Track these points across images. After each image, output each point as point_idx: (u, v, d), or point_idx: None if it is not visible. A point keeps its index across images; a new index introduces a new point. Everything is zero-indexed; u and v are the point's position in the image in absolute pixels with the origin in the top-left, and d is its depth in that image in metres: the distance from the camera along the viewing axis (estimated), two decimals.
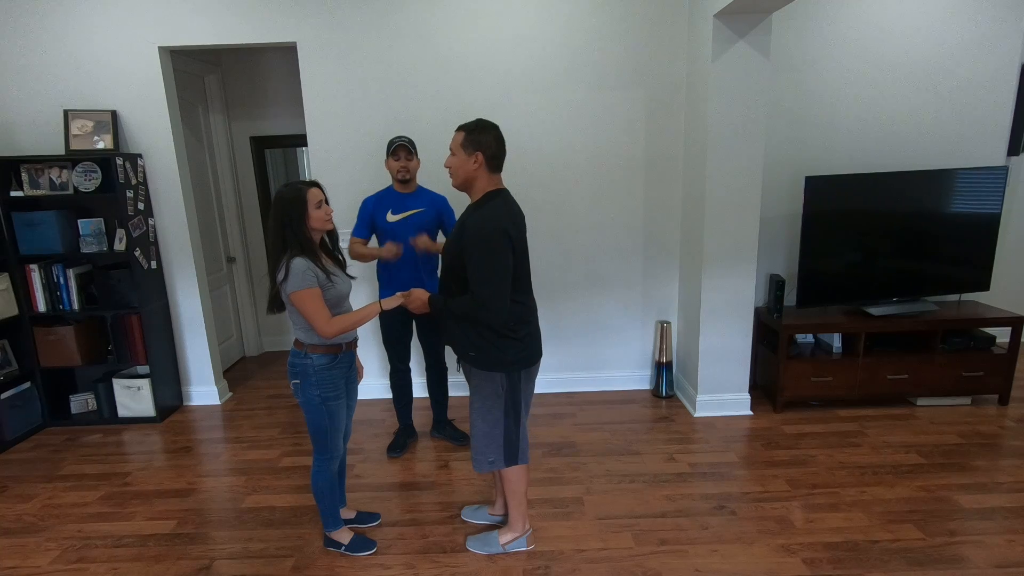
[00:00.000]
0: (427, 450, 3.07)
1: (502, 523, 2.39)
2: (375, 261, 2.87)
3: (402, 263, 2.77)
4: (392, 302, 2.08)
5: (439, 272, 2.08)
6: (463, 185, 2.00)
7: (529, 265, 2.05)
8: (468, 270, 1.88)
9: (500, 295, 1.87)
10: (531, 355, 2.05)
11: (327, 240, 2.14)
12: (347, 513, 2.43)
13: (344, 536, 2.27)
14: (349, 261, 3.46)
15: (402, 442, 3.05)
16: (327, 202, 2.05)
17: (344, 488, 2.43)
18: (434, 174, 3.33)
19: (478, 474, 2.80)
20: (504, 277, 1.88)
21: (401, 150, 2.71)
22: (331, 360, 2.07)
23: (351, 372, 2.22)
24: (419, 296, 2.05)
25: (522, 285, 2.00)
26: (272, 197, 2.00)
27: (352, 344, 2.16)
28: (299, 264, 1.92)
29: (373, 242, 2.95)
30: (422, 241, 2.66)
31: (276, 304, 2.05)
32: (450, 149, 2.00)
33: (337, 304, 2.04)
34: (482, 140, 1.93)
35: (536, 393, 3.75)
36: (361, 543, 2.27)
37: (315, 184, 2.02)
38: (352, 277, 2.17)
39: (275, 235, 1.97)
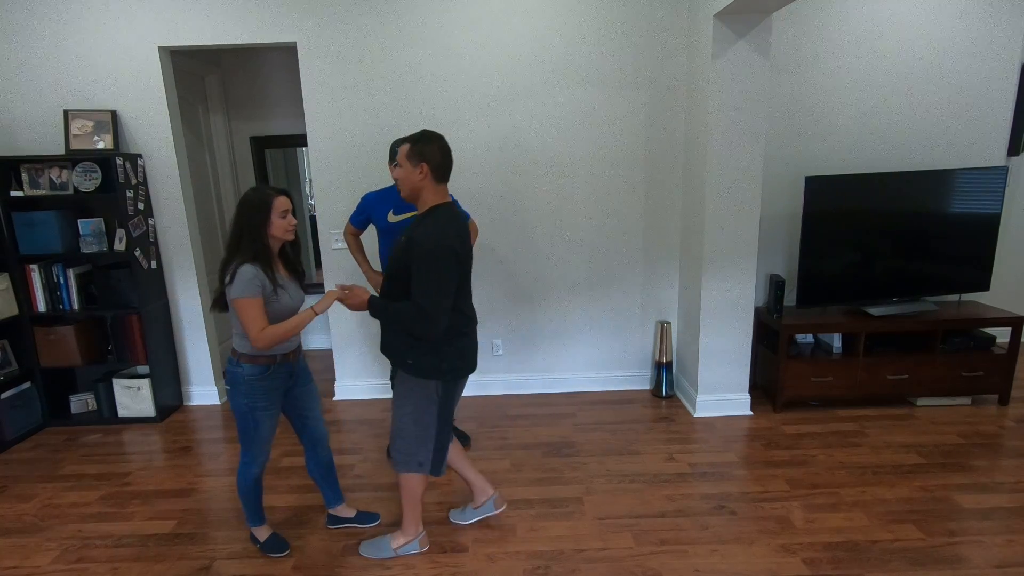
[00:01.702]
0: None
1: (493, 507, 2.41)
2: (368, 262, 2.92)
3: None
4: (325, 303, 2.01)
5: (383, 280, 2.09)
6: (410, 196, 2.01)
7: (471, 276, 2.08)
8: (413, 281, 1.90)
9: (441, 309, 1.89)
10: (467, 365, 2.09)
11: (288, 250, 2.11)
12: (346, 511, 2.43)
13: (262, 533, 2.28)
14: (341, 250, 3.44)
15: None
16: (294, 213, 2.02)
17: (337, 485, 2.42)
18: None
19: (482, 474, 2.79)
20: (447, 293, 1.91)
21: None
22: (263, 371, 2.03)
23: (295, 380, 2.17)
24: (359, 295, 2.02)
25: (464, 295, 2.03)
26: (240, 200, 1.98)
27: (290, 355, 2.11)
28: (247, 271, 1.90)
29: (372, 240, 2.96)
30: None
31: (220, 304, 2.05)
32: (398, 161, 2.02)
33: (279, 318, 2.00)
34: (426, 151, 1.94)
35: (536, 393, 3.75)
36: (275, 544, 2.27)
37: (284, 192, 2.00)
38: (307, 292, 2.15)
39: (233, 237, 1.96)
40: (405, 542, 2.24)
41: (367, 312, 2.21)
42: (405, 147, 1.97)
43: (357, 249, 2.94)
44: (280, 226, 1.97)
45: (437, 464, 2.13)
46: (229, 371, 2.07)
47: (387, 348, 2.10)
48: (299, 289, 2.12)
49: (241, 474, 2.18)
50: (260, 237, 1.94)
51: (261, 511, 2.28)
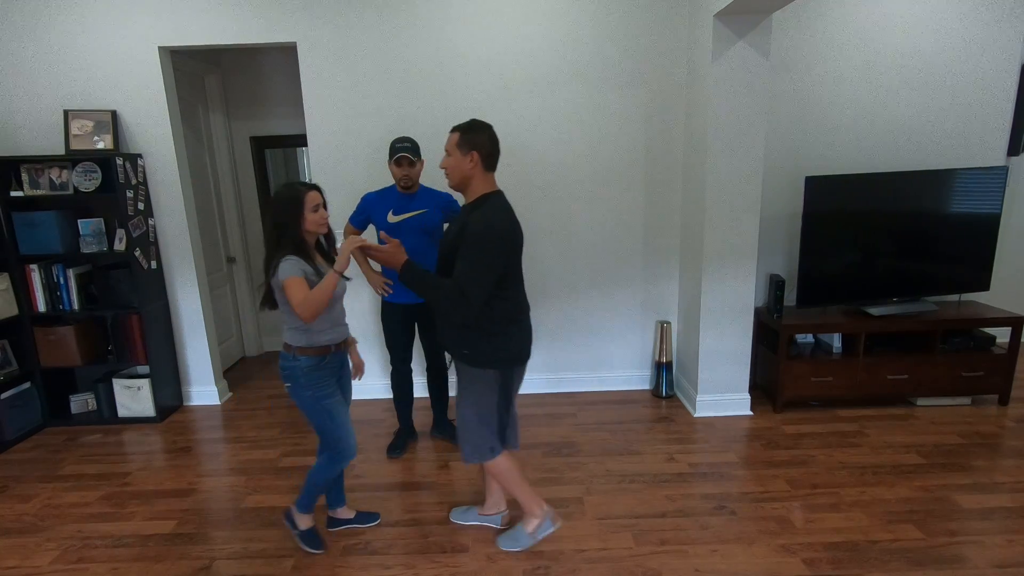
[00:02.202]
0: (427, 450, 3.07)
1: (499, 523, 2.39)
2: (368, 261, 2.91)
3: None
4: (343, 258, 1.95)
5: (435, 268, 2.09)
6: (459, 185, 2.02)
7: (522, 265, 2.07)
8: (458, 262, 1.90)
9: (481, 292, 1.88)
10: (522, 352, 2.08)
11: (323, 243, 2.15)
12: (346, 513, 2.43)
13: (305, 522, 2.28)
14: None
15: (402, 443, 3.05)
16: (325, 206, 2.05)
17: (343, 487, 2.42)
18: (436, 173, 3.32)
19: (477, 475, 2.80)
20: (490, 278, 1.90)
21: (404, 159, 2.70)
22: (319, 361, 2.08)
23: (343, 371, 2.23)
24: (396, 254, 1.94)
25: (516, 283, 2.02)
26: (270, 196, 2.01)
27: (341, 345, 2.16)
28: (291, 259, 1.95)
29: (370, 236, 2.96)
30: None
31: (269, 301, 2.07)
32: (445, 150, 2.01)
33: (329, 306, 2.05)
34: (477, 140, 1.96)
35: (536, 393, 3.75)
36: (312, 538, 2.27)
37: (315, 187, 2.03)
38: (347, 279, 2.17)
39: (270, 234, 1.99)
40: (537, 524, 2.24)
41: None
42: (455, 136, 1.98)
43: (358, 246, 2.93)
44: (313, 220, 2.00)
45: (502, 438, 2.12)
46: (285, 367, 2.08)
47: (444, 341, 2.11)
48: (341, 278, 2.12)
49: (326, 468, 2.17)
50: (296, 232, 1.97)
51: (315, 503, 2.28)
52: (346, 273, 2.18)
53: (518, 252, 2.00)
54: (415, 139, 2.86)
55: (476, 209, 1.96)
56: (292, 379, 2.07)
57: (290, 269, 1.93)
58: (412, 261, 1.97)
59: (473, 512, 2.44)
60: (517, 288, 2.04)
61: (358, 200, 2.93)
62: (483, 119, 3.35)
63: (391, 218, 2.76)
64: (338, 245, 3.42)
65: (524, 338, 2.08)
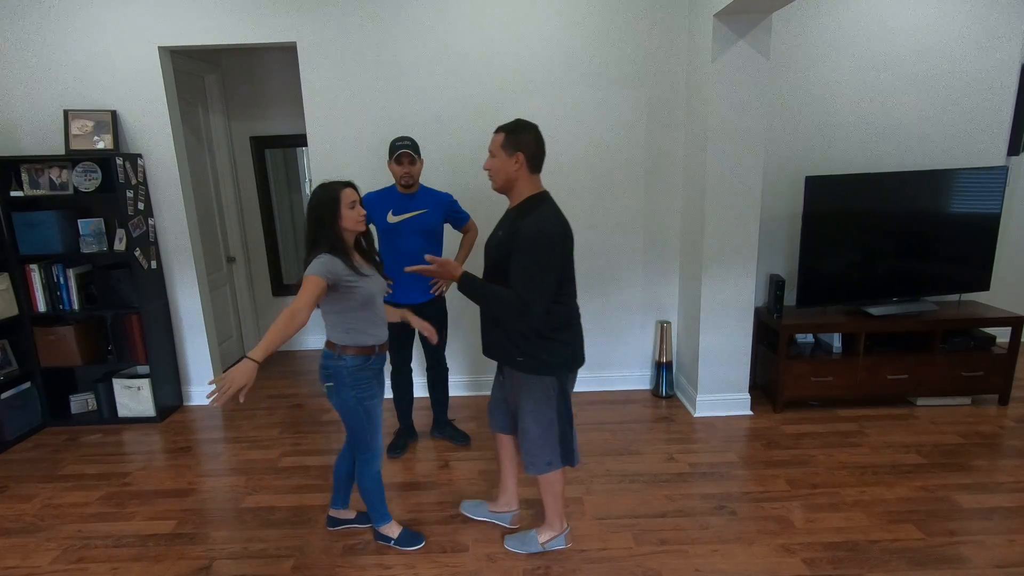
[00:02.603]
0: (427, 450, 3.07)
1: (509, 521, 2.38)
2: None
3: (404, 267, 2.76)
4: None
5: (482, 273, 2.07)
6: (504, 187, 1.98)
7: (574, 267, 2.04)
8: (512, 270, 1.87)
9: (543, 299, 1.86)
10: (578, 356, 2.05)
11: (362, 241, 2.13)
12: (347, 514, 2.43)
13: (393, 530, 2.29)
14: None
15: (402, 443, 3.05)
16: (361, 204, 2.05)
17: (350, 490, 2.42)
18: (434, 174, 3.33)
19: (478, 476, 2.80)
20: (551, 284, 1.87)
21: (404, 157, 2.69)
22: (364, 361, 2.07)
23: (381, 373, 2.21)
24: (452, 268, 1.96)
25: (570, 288, 1.99)
26: (311, 197, 2.01)
27: (385, 346, 2.15)
28: (323, 257, 1.94)
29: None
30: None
31: None
32: (489, 151, 1.98)
33: (367, 304, 2.04)
34: (522, 140, 1.92)
35: None
36: (409, 537, 2.28)
37: (350, 184, 2.03)
38: (390, 280, 2.17)
39: (309, 233, 2.00)
40: (551, 537, 2.23)
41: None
42: (499, 136, 1.94)
43: None
44: (351, 217, 2.00)
45: (567, 455, 2.10)
46: (329, 366, 2.06)
47: (492, 348, 2.07)
48: (380, 277, 2.13)
49: (363, 474, 2.18)
50: (334, 230, 1.97)
51: (386, 509, 2.28)
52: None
53: (570, 255, 1.97)
54: (414, 139, 2.85)
55: (525, 214, 1.92)
56: (335, 378, 2.06)
57: (315, 267, 1.92)
58: (468, 273, 1.97)
59: (484, 507, 2.43)
60: (571, 291, 2.01)
61: None
62: (483, 119, 3.40)
63: (391, 218, 2.76)
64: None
65: (579, 342, 2.05)
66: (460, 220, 2.93)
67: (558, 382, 2.02)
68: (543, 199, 1.96)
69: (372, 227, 2.83)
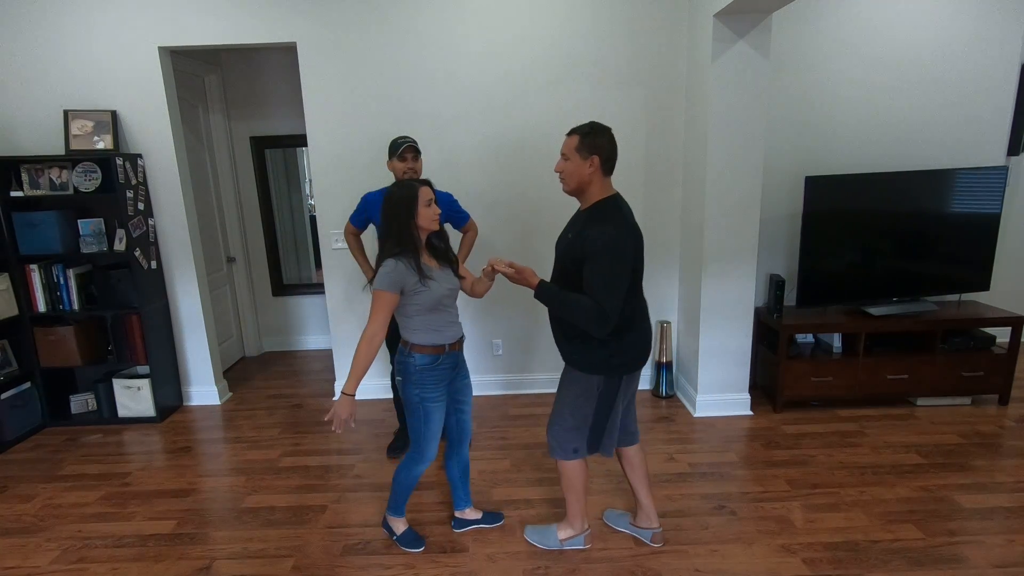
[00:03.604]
0: None
1: (650, 538, 2.28)
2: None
3: None
4: (483, 284, 2.11)
5: (551, 276, 2.07)
6: (576, 190, 1.97)
7: (643, 270, 2.03)
8: (587, 276, 1.85)
9: (617, 304, 1.85)
10: (638, 359, 2.02)
11: (435, 240, 2.12)
12: (473, 513, 2.40)
13: (399, 526, 2.30)
14: (341, 250, 3.44)
15: (402, 444, 3.05)
16: (436, 202, 2.05)
17: (468, 489, 2.40)
18: (434, 174, 3.32)
19: (478, 476, 2.80)
20: (623, 288, 1.86)
21: (408, 152, 2.68)
22: (433, 360, 2.06)
23: (457, 372, 2.19)
24: (528, 276, 1.97)
25: (635, 288, 1.98)
26: (387, 193, 2.02)
27: (456, 344, 2.14)
28: (387, 265, 1.94)
29: (370, 235, 2.95)
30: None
31: None
32: (562, 154, 1.97)
33: (435, 307, 2.03)
34: (598, 143, 1.90)
35: (536, 393, 3.75)
36: (412, 539, 2.28)
37: (427, 182, 2.04)
38: (462, 277, 2.17)
39: (383, 231, 2.01)
40: (571, 536, 2.22)
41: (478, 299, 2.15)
42: (574, 139, 1.93)
43: (357, 249, 2.94)
44: (426, 215, 1.99)
45: (593, 445, 2.08)
46: (400, 361, 2.08)
47: (557, 340, 2.08)
48: (452, 276, 2.12)
49: (405, 467, 2.18)
50: (408, 228, 1.97)
51: (405, 504, 2.29)
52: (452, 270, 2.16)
53: (640, 257, 1.96)
54: (416, 139, 2.85)
55: (595, 217, 1.90)
56: (404, 374, 2.07)
57: (381, 280, 1.93)
58: (545, 281, 1.97)
59: (626, 519, 2.37)
60: (636, 294, 1.99)
61: (357, 200, 2.92)
62: (483, 119, 3.40)
63: None
64: (338, 244, 3.45)
65: (642, 345, 2.02)
66: (460, 219, 2.92)
67: (604, 383, 2.00)
68: (614, 203, 1.93)
69: (447, 224, 2.81)
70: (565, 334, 2.02)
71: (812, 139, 3.53)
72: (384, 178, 3.34)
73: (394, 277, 1.93)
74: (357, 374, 1.93)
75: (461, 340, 2.17)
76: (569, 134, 1.96)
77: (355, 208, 2.88)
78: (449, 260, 2.15)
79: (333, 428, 1.97)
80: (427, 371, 2.05)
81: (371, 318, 1.94)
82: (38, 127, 3.35)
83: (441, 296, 2.04)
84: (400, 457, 2.98)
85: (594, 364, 1.97)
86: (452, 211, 2.87)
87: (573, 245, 1.92)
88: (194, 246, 3.59)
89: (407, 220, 1.97)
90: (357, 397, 3.71)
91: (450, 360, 2.11)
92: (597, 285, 1.83)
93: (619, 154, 3.40)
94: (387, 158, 2.77)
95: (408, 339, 2.06)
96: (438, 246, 2.12)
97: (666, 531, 2.33)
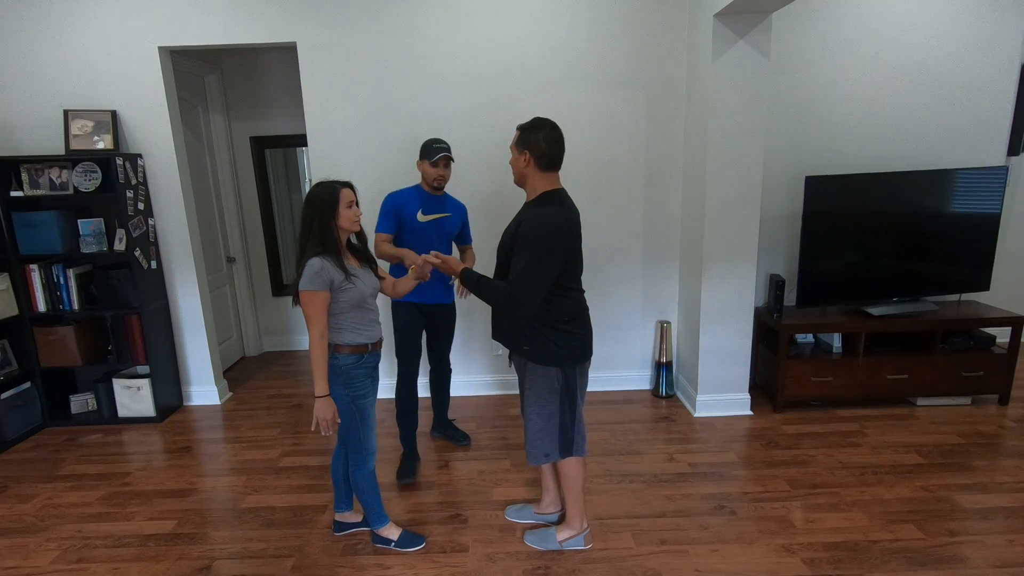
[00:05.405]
0: (427, 450, 3.07)
1: (556, 521, 2.37)
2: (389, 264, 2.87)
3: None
4: (406, 283, 2.16)
5: (494, 269, 2.10)
6: (518, 182, 2.06)
7: (582, 262, 2.07)
8: (514, 262, 1.91)
9: (535, 295, 1.89)
10: (584, 350, 2.07)
11: (354, 241, 2.14)
12: (352, 516, 2.42)
13: (392, 532, 2.29)
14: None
15: (411, 468, 2.82)
16: (358, 204, 2.06)
17: (352, 489, 2.38)
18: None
19: (478, 476, 2.80)
20: (545, 279, 1.90)
21: (443, 160, 2.63)
22: (357, 359, 2.08)
23: (375, 372, 2.21)
24: (453, 264, 2.07)
25: (575, 280, 2.02)
26: (308, 194, 2.04)
27: (378, 344, 2.17)
28: (313, 264, 1.95)
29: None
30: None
31: (295, 298, 2.06)
32: (510, 147, 2.06)
33: (359, 304, 2.05)
34: (531, 139, 1.97)
35: None
36: (409, 539, 2.29)
37: (347, 184, 2.04)
38: (381, 278, 2.19)
39: (303, 231, 2.01)
40: (570, 536, 2.23)
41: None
42: (516, 134, 2.02)
43: (393, 252, 2.62)
44: (347, 216, 2.02)
45: (566, 447, 2.11)
46: (329, 364, 2.10)
47: (502, 334, 2.12)
48: (373, 276, 2.14)
49: (356, 473, 2.19)
50: (329, 229, 1.99)
51: (383, 510, 2.29)
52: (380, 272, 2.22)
53: (576, 249, 2.00)
54: (419, 141, 2.83)
55: (531, 208, 1.98)
56: (329, 376, 2.08)
57: (311, 280, 1.94)
58: (468, 268, 2.06)
59: (528, 510, 2.43)
60: (577, 285, 2.04)
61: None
62: (483, 119, 3.40)
63: (421, 217, 2.66)
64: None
65: (585, 337, 2.07)
66: (464, 238, 2.91)
67: (563, 374, 2.04)
68: (555, 195, 1.98)
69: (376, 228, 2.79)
70: (517, 328, 2.05)
71: (812, 139, 3.53)
72: (384, 177, 3.34)
73: (323, 275, 1.95)
74: (322, 375, 2.00)
75: (381, 341, 2.19)
76: (516, 128, 2.04)
77: (380, 215, 2.66)
78: (368, 260, 2.17)
79: (322, 432, 2.03)
80: (352, 370, 2.07)
81: (312, 322, 1.97)
82: (38, 127, 3.35)
83: (365, 295, 2.07)
84: (413, 480, 2.80)
85: (547, 355, 2.02)
86: (464, 226, 2.86)
87: (511, 236, 1.98)
88: (194, 246, 3.59)
89: (328, 221, 1.98)
90: None
91: (373, 359, 2.14)
92: (518, 273, 1.89)
93: (619, 154, 3.46)
94: (417, 157, 2.70)
95: (332, 339, 2.06)
96: (357, 246, 2.15)
97: (666, 531, 2.33)
